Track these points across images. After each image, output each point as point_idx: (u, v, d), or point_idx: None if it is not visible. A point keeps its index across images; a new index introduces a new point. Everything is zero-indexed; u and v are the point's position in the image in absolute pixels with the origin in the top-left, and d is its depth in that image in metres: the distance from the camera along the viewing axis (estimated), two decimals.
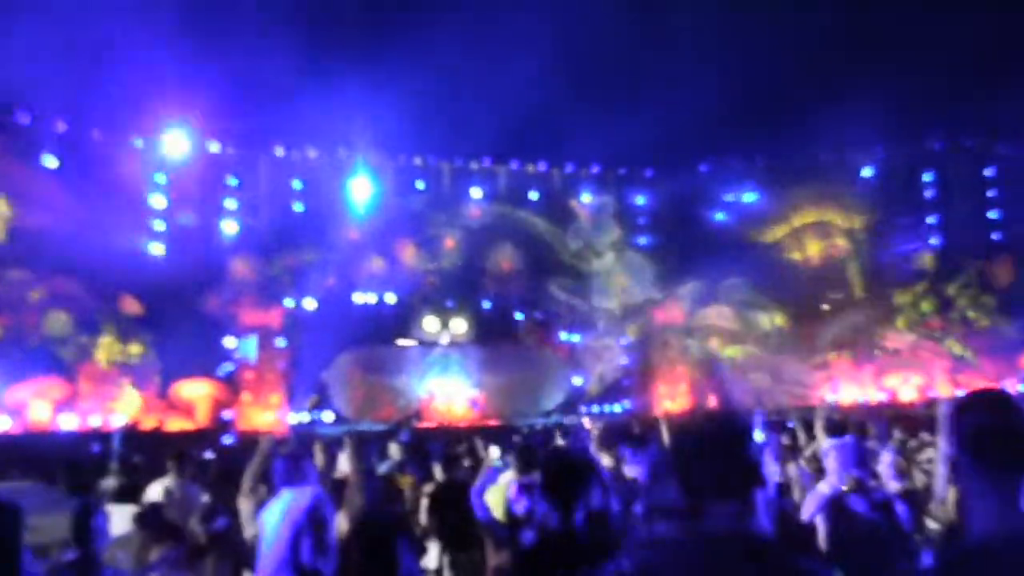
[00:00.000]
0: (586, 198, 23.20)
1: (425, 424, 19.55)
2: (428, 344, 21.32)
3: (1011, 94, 18.91)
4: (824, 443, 6.26)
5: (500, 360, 21.34)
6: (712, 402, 20.39)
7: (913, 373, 21.41)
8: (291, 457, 4.27)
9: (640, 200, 24.13)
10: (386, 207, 21.47)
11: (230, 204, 20.70)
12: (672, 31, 20.72)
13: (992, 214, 23.43)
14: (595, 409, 21.55)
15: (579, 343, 22.47)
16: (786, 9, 20.38)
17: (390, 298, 21.52)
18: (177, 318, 18.49)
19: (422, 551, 6.51)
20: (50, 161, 18.25)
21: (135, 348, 18.47)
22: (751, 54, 19.30)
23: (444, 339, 21.37)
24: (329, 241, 20.72)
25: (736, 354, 21.91)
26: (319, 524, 3.76)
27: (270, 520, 3.91)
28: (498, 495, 4.89)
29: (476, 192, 22.59)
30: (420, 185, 22.25)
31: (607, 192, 23.37)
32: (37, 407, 17.10)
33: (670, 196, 23.58)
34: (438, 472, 7.55)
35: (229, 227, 20.64)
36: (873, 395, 20.77)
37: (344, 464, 8.15)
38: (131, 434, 16.16)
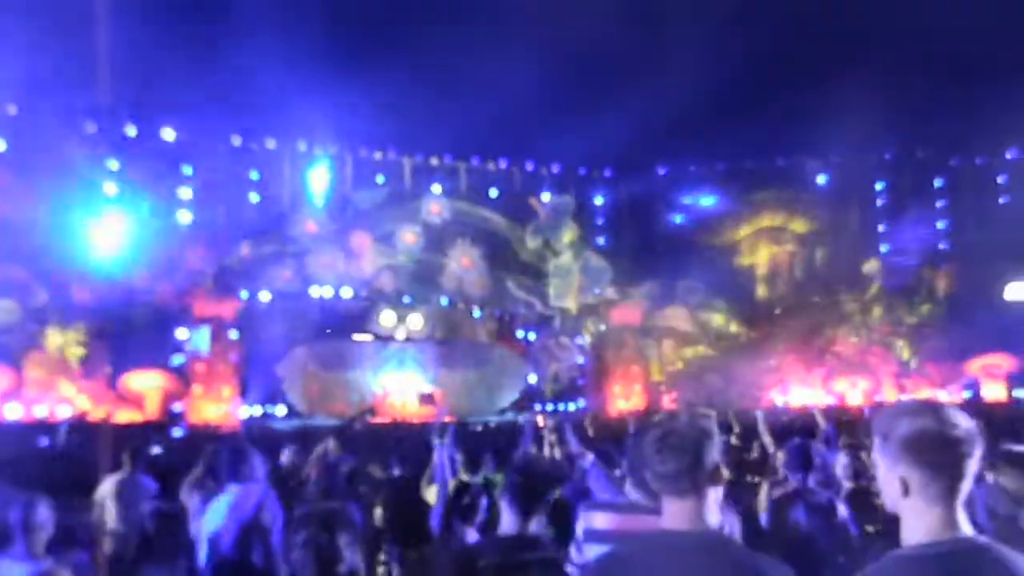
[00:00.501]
0: (546, 197, 23.26)
1: (379, 420, 19.09)
2: (384, 339, 21.15)
3: (962, 108, 19.45)
4: (769, 445, 6.35)
5: (456, 357, 21.24)
6: (673, 402, 20.61)
7: (860, 377, 21.84)
8: (238, 451, 4.20)
9: (599, 200, 24.38)
10: (345, 201, 21.37)
11: (185, 193, 20.29)
12: (635, 37, 20.90)
13: (940, 223, 24.06)
14: (550, 407, 21.43)
15: (535, 341, 22.52)
16: (748, 20, 20.69)
17: (346, 292, 21.31)
18: (128, 308, 18.10)
19: (375, 547, 6.47)
20: None
21: (83, 337, 18.03)
22: (712, 62, 19.51)
23: (400, 334, 21.20)
24: (286, 233, 20.55)
25: (690, 355, 22.07)
26: (266, 522, 3.73)
27: (215, 517, 3.84)
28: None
29: (436, 188, 22.56)
30: (380, 180, 22.16)
31: (566, 191, 23.44)
32: None
33: (628, 197, 23.83)
34: (376, 471, 7.45)
35: (183, 216, 20.23)
36: (822, 398, 21.13)
37: (286, 457, 8.05)
38: (78, 426, 15.84)
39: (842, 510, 4.07)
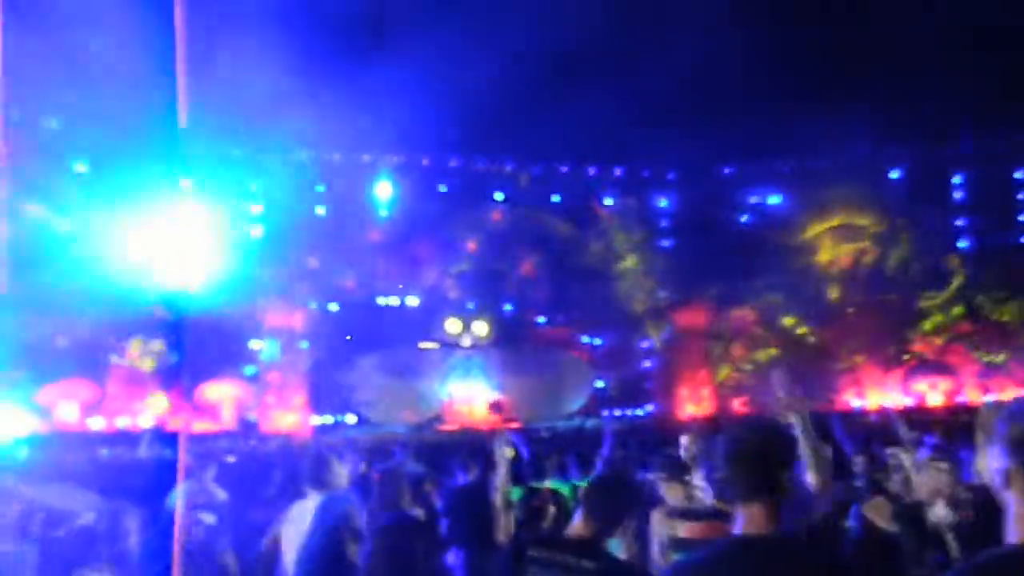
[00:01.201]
0: (608, 201, 23.16)
1: (447, 427, 19.64)
2: (450, 347, 21.44)
3: None
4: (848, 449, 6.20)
5: (522, 363, 21.37)
6: (742, 406, 20.40)
7: (941, 378, 21.16)
8: (320, 459, 4.28)
9: (663, 203, 24.02)
10: (408, 210, 21.56)
11: (255, 208, 20.79)
12: (695, 32, 20.62)
13: (1023, 217, 23.15)
14: (617, 412, 21.44)
15: (601, 346, 22.42)
16: (812, 8, 20.23)
17: (411, 300, 21.64)
18: (202, 321, 18.60)
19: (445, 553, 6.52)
20: (79, 166, 18.42)
21: (163, 350, 18.22)
22: (777, 54, 19.12)
23: (466, 342, 21.46)
24: (352, 244, 20.79)
25: (760, 357, 21.65)
26: (355, 530, 3.73)
27: (300, 524, 3.88)
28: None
29: (498, 195, 22.67)
30: (443, 188, 22.34)
31: (630, 194, 23.27)
32: (65, 408, 17.30)
33: (693, 198, 23.44)
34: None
35: (254, 231, 20.71)
36: (900, 400, 20.54)
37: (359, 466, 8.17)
38: (160, 435, 16.28)
39: (934, 514, 3.96)
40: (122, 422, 17.62)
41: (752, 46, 18.94)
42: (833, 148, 22.04)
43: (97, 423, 17.43)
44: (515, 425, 19.14)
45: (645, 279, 22.24)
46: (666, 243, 23.63)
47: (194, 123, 19.43)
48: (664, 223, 23.87)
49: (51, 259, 16.94)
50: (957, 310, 21.93)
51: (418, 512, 4.53)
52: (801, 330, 22.23)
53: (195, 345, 18.12)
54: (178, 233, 19.72)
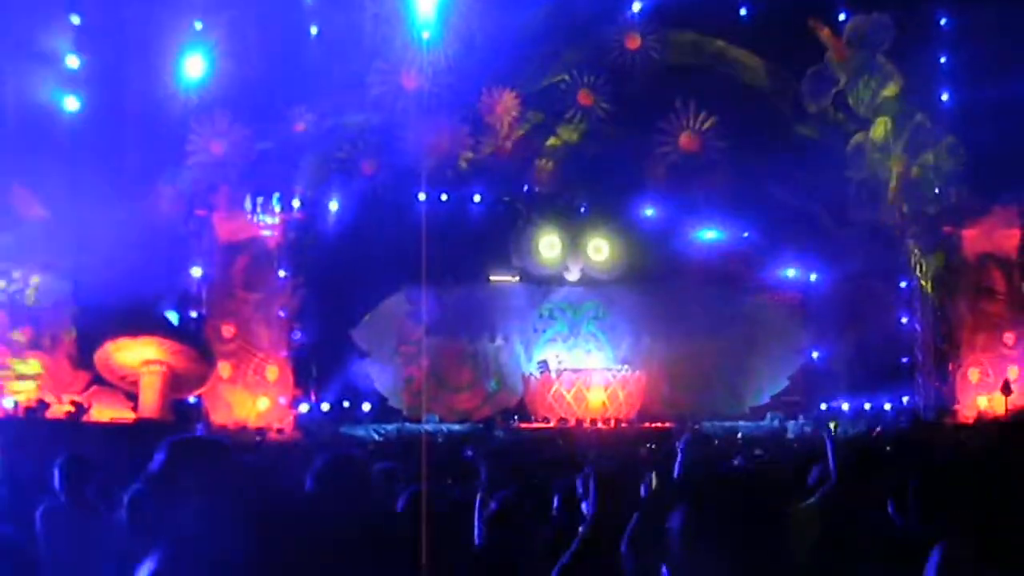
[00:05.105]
0: (841, 18, 22.30)
1: (536, 424, 19.82)
2: (542, 282, 21.92)
3: None
4: None
5: (673, 314, 21.52)
6: None
7: None
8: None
9: (943, 22, 23.04)
10: (469, 33, 21.08)
11: (195, 26, 20.56)
12: None
13: None
14: (845, 406, 21.75)
15: (818, 284, 22.41)
16: None
17: (476, 198, 21.82)
18: (105, 227, 18.50)
19: None
20: None
21: (35, 278, 18.96)
22: None
23: (572, 274, 21.90)
24: (365, 93, 20.69)
25: None
26: None
27: None
28: None
29: (635, 6, 22.11)
30: None
31: (880, 6, 22.25)
32: None
33: (1000, 16, 21.97)
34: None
35: (193, 67, 20.53)
36: None
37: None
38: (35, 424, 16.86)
39: None
40: None
41: None
42: None
43: None
44: (662, 425, 19.38)
45: (906, 164, 21.64)
46: (946, 97, 22.97)
47: None
48: (944, 59, 23.01)
49: None
50: None
51: None
52: None
53: (94, 269, 18.34)
54: (62, 70, 19.64)
